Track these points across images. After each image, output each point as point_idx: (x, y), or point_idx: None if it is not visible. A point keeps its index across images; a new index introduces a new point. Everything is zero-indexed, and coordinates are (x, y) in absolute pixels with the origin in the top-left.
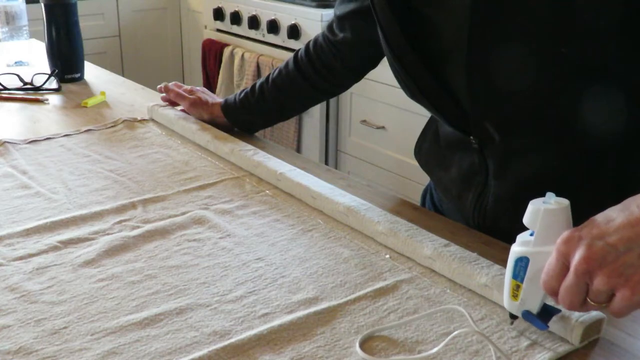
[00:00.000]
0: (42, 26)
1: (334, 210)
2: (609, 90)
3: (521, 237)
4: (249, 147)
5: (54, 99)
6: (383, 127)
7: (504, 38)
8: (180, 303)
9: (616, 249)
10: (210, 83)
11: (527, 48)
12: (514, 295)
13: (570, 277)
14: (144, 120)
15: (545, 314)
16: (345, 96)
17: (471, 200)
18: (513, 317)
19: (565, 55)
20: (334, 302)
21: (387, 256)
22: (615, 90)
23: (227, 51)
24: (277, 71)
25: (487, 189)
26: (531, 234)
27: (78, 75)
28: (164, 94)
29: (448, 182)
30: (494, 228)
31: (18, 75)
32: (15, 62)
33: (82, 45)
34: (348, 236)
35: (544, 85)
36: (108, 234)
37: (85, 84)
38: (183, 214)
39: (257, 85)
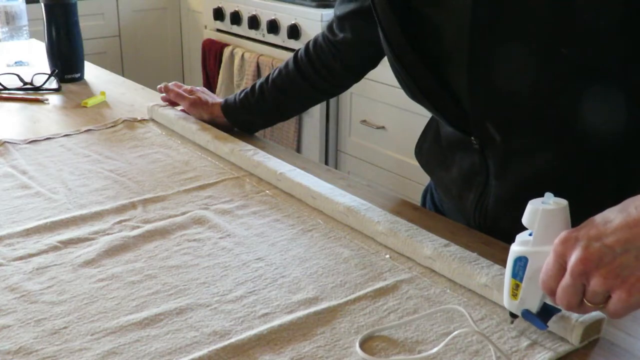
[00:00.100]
0: (42, 26)
1: (334, 210)
2: (609, 90)
3: (520, 237)
4: (249, 147)
5: (54, 99)
6: (383, 127)
7: (504, 38)
8: (180, 303)
9: (613, 250)
10: (210, 83)
11: (528, 48)
12: (514, 295)
13: (566, 277)
14: (144, 120)
15: (545, 313)
16: (345, 96)
17: (472, 200)
18: (513, 316)
19: (566, 55)
20: (334, 302)
21: (387, 256)
22: (615, 91)
23: (227, 51)
24: (277, 71)
25: (488, 189)
26: (530, 234)
27: (78, 75)
28: (164, 94)
29: (449, 182)
30: (495, 228)
31: (18, 75)
32: (15, 62)
33: (82, 45)
34: (348, 236)
35: (544, 86)
36: (108, 234)
37: (85, 84)
38: (183, 214)
39: (257, 85)
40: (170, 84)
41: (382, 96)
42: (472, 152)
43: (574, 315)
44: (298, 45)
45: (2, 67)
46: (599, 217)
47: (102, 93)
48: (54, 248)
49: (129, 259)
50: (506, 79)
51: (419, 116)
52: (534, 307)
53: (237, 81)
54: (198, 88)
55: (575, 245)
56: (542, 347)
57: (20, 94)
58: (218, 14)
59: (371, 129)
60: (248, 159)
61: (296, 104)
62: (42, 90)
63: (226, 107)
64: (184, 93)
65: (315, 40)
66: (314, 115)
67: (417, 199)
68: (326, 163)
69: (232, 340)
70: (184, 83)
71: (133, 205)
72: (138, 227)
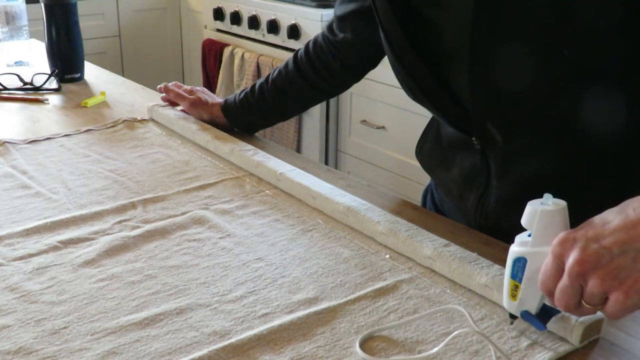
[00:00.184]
0: (42, 26)
1: (334, 210)
2: (610, 90)
3: (519, 238)
4: (249, 147)
5: (54, 99)
6: (383, 127)
7: (505, 38)
8: (180, 303)
9: (610, 251)
10: (210, 83)
11: (528, 48)
12: (513, 295)
13: (564, 279)
14: (144, 120)
15: (545, 314)
16: (345, 96)
17: (473, 200)
18: (513, 317)
19: (566, 55)
20: (334, 302)
21: (387, 256)
22: (615, 91)
23: (227, 51)
24: (276, 71)
25: (489, 189)
26: (529, 235)
27: (78, 75)
28: (164, 94)
29: (449, 182)
30: (496, 228)
31: (18, 75)
32: (15, 62)
33: (82, 45)
34: (348, 236)
35: (544, 85)
36: (108, 234)
37: (85, 84)
38: (183, 214)
39: (257, 85)
40: (170, 84)
41: (382, 96)
42: (473, 153)
43: (574, 316)
44: (298, 45)
45: (2, 67)
46: (597, 219)
47: (102, 93)
48: (54, 248)
49: (129, 259)
50: (507, 79)
51: (419, 116)
52: (533, 308)
53: (237, 81)
54: (198, 88)
55: (573, 247)
56: (542, 347)
57: (20, 94)
58: (218, 14)
59: (371, 129)
60: (248, 159)
61: (296, 104)
62: (42, 90)
63: (226, 107)
64: (183, 93)
65: (315, 40)
66: (314, 115)
67: (417, 199)
68: (326, 163)
69: (232, 340)
70: (184, 83)
71: (133, 205)
72: (138, 227)
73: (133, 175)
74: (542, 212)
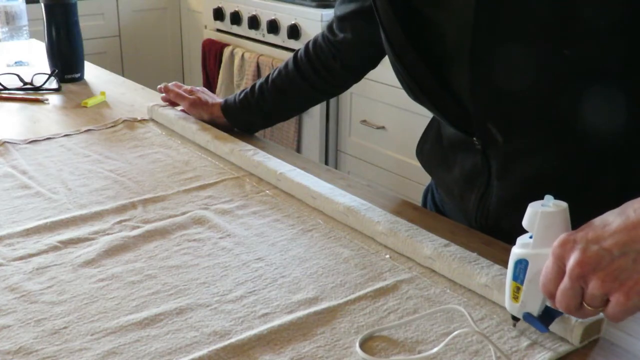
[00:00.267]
0: (42, 26)
1: (334, 210)
2: (610, 90)
3: (521, 240)
4: (249, 147)
5: (54, 99)
6: (383, 127)
7: (506, 39)
8: (180, 303)
9: (611, 253)
10: (210, 83)
11: (529, 48)
12: (515, 297)
13: (565, 281)
14: (144, 120)
15: (547, 316)
16: (345, 96)
17: (474, 201)
18: (515, 319)
19: (567, 55)
20: (334, 302)
21: (387, 256)
22: (616, 91)
23: (227, 51)
24: (276, 71)
25: (490, 189)
26: (530, 237)
27: (78, 75)
28: (163, 94)
29: (450, 182)
30: (497, 229)
31: (18, 75)
32: (15, 62)
33: (82, 45)
34: (348, 236)
35: (545, 86)
36: (108, 234)
37: (85, 84)
38: (183, 214)
39: (257, 85)
40: (170, 84)
41: (382, 96)
42: (474, 153)
43: None
44: (298, 45)
45: (2, 67)
46: (598, 220)
47: (102, 93)
48: (54, 248)
49: (129, 259)
50: (507, 79)
51: (419, 116)
52: (535, 309)
53: (237, 81)
54: (198, 88)
55: (574, 248)
56: (542, 347)
57: (20, 94)
58: (218, 14)
59: (371, 129)
60: (248, 159)
61: (296, 104)
62: (42, 90)
63: (226, 107)
64: (183, 93)
65: (315, 40)
66: (314, 115)
67: (417, 199)
68: (326, 163)
69: (232, 340)
70: (184, 83)
71: (133, 205)
72: (138, 227)
73: (133, 175)
74: (542, 214)
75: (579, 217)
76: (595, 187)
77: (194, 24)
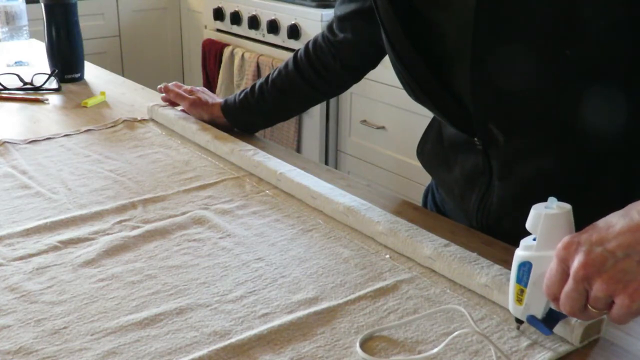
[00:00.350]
0: (42, 26)
1: (334, 210)
2: (611, 90)
3: (524, 242)
4: (249, 147)
5: (54, 99)
6: (383, 127)
7: (507, 39)
8: (180, 303)
9: (614, 255)
10: (210, 83)
11: (530, 49)
12: (519, 300)
13: (569, 283)
14: (144, 120)
15: (551, 318)
16: (345, 96)
17: (474, 201)
18: (519, 321)
19: (568, 56)
20: (334, 302)
21: (387, 256)
22: (617, 91)
23: (227, 51)
24: (276, 72)
25: (491, 189)
26: (534, 239)
27: (78, 75)
28: (163, 94)
29: (451, 182)
30: (498, 229)
31: (18, 75)
32: (15, 62)
33: (82, 45)
34: (348, 236)
35: (546, 86)
36: (108, 234)
37: (85, 84)
38: (183, 214)
39: (257, 85)
40: (170, 84)
41: (382, 96)
42: (474, 153)
43: None
44: (298, 45)
45: (2, 67)
46: (601, 222)
47: (102, 93)
48: (54, 248)
49: (129, 259)
50: (508, 79)
51: (419, 116)
52: (539, 312)
53: (237, 81)
54: (198, 88)
55: (578, 250)
56: (542, 347)
57: (20, 94)
58: (218, 14)
59: (371, 129)
60: (248, 159)
61: (296, 104)
62: (42, 90)
63: (226, 107)
64: (183, 93)
65: (315, 40)
66: (314, 115)
67: (417, 199)
68: (326, 163)
69: (232, 340)
70: (184, 83)
71: (133, 205)
72: (138, 227)
73: (133, 175)
74: (546, 216)
75: (579, 217)
76: (595, 187)
77: (194, 24)
